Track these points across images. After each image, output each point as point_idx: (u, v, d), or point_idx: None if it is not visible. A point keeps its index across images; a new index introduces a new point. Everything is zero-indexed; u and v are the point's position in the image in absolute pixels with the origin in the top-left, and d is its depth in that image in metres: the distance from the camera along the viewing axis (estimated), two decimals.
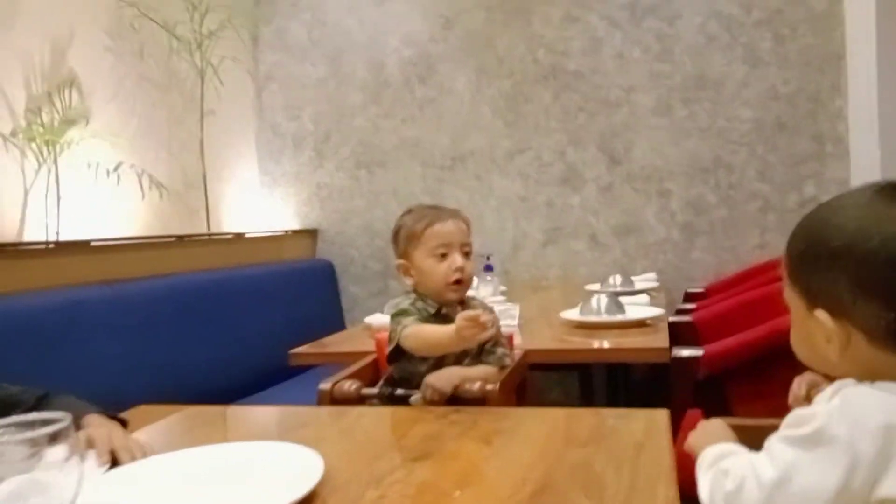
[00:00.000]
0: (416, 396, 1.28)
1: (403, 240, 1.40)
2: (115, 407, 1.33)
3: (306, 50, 3.59)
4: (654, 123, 3.21)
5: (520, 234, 3.39)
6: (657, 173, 3.21)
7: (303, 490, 0.78)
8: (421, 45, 3.45)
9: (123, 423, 1.13)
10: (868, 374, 0.69)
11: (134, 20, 2.80)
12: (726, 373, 1.70)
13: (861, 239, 0.69)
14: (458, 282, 1.35)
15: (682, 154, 3.18)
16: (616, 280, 2.76)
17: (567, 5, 3.26)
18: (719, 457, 0.76)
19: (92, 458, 0.96)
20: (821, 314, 0.72)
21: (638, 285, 2.78)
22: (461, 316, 1.17)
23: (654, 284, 2.84)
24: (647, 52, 3.20)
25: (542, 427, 1.03)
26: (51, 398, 1.15)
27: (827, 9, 2.98)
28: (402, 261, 1.40)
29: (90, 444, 0.99)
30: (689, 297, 3.00)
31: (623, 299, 2.18)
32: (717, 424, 0.86)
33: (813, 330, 0.73)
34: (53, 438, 0.65)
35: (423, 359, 1.33)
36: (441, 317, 1.37)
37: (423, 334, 1.27)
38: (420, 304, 1.37)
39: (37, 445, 0.65)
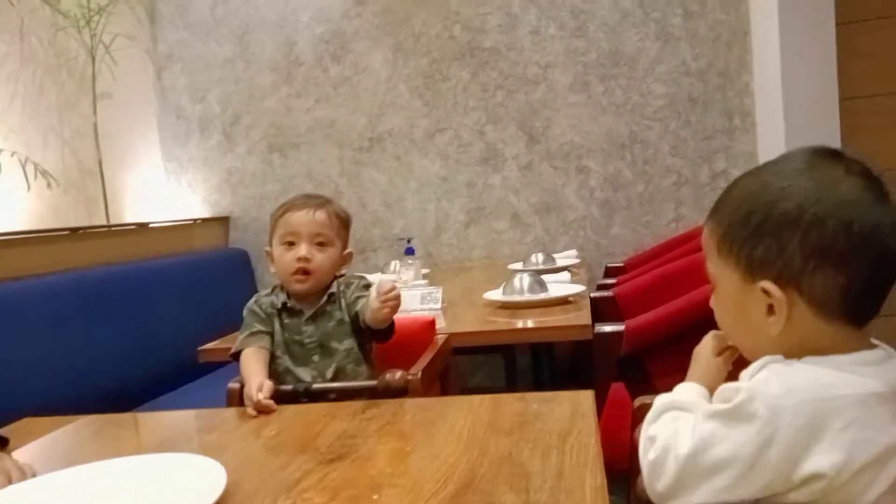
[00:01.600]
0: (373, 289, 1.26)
1: (269, 227, 1.40)
2: (9, 417, 1.20)
3: (210, 27, 3.39)
4: (572, 100, 3.21)
5: (441, 216, 3.34)
6: (575, 150, 3.22)
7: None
8: (334, 22, 3.32)
9: (3, 442, 1.01)
10: (802, 350, 0.67)
11: None
12: (647, 347, 1.71)
13: (812, 201, 0.65)
14: (302, 272, 1.32)
15: (599, 130, 3.20)
16: (538, 258, 2.75)
17: None
18: (658, 413, 0.73)
19: None
20: (767, 284, 0.67)
21: (559, 262, 2.78)
22: (250, 400, 1.10)
23: (576, 261, 2.86)
24: (562, 29, 3.19)
25: (465, 417, 0.98)
26: None
27: None
28: (267, 248, 1.40)
29: None
30: (609, 272, 3.03)
31: (545, 277, 2.16)
32: (706, 360, 0.82)
33: (749, 304, 0.70)
34: None
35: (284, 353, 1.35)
36: (287, 310, 1.36)
37: (241, 365, 1.28)
38: (269, 299, 1.37)
39: None
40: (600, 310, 2.22)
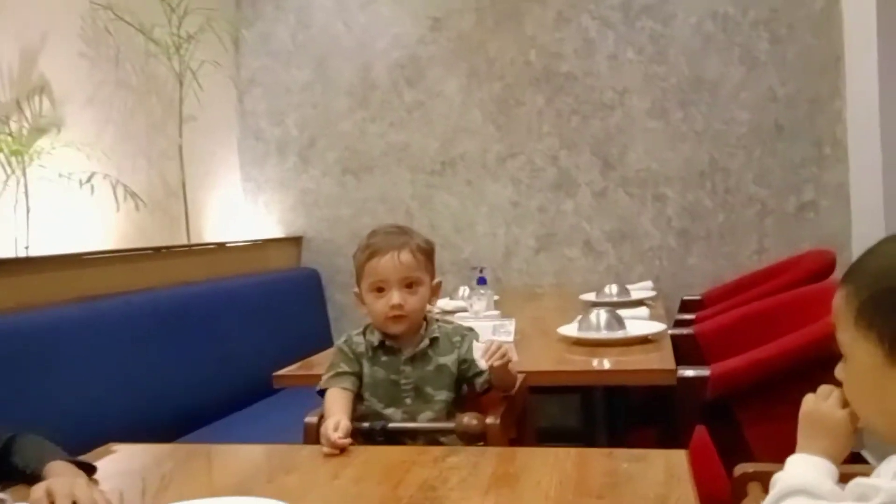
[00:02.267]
0: (480, 343, 1.26)
1: (356, 269, 1.36)
2: (93, 435, 1.23)
3: (291, 54, 3.48)
4: (649, 126, 3.13)
5: (511, 241, 3.30)
6: (652, 178, 3.13)
7: None
8: (409, 48, 3.35)
9: (91, 470, 1.03)
10: None
11: (109, 24, 2.68)
12: (735, 393, 1.62)
13: None
14: (396, 317, 1.31)
15: (677, 158, 3.10)
16: (612, 290, 2.68)
17: (559, 6, 3.17)
18: (782, 496, 0.66)
19: None
20: None
21: (634, 294, 2.70)
22: (326, 439, 1.10)
23: (651, 294, 2.76)
24: (641, 54, 3.12)
25: (551, 473, 0.93)
26: (17, 441, 1.04)
27: (825, 8, 2.91)
28: (356, 289, 1.37)
29: (49, 499, 0.89)
30: (685, 307, 2.92)
31: (622, 312, 2.09)
32: (832, 423, 0.73)
33: (889, 386, 0.64)
34: None
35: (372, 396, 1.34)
36: (385, 348, 1.34)
37: (325, 403, 1.27)
38: (361, 339, 1.36)
39: None
40: (680, 348, 2.13)
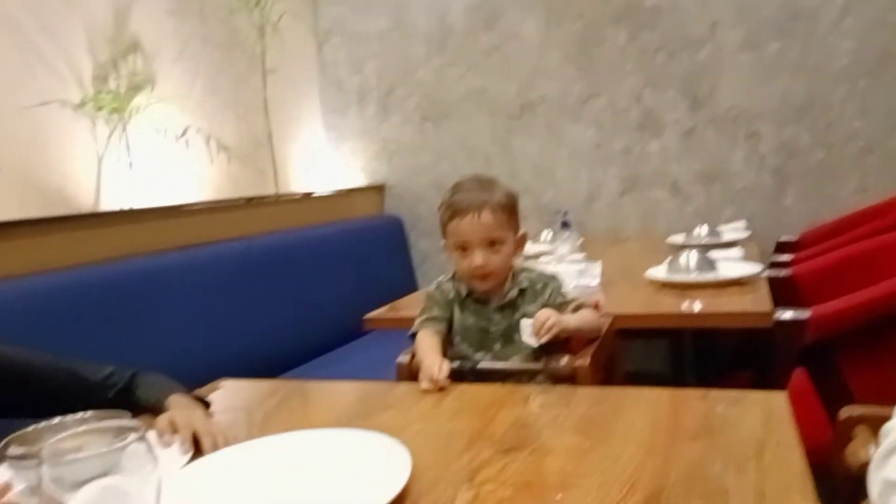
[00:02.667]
0: (527, 320, 1.24)
1: (440, 221, 1.36)
2: (196, 372, 1.32)
3: (368, 2, 3.46)
4: (742, 61, 2.94)
5: (594, 185, 3.23)
6: (745, 115, 2.96)
7: (393, 491, 0.72)
8: None
9: (206, 405, 1.11)
10: None
11: None
12: (837, 337, 1.55)
13: None
14: (482, 276, 1.31)
15: (772, 93, 2.92)
16: (702, 231, 2.59)
17: None
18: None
19: (175, 444, 0.94)
20: None
21: (726, 236, 2.60)
22: (429, 377, 1.14)
23: (745, 234, 2.65)
24: None
25: (644, 414, 0.93)
26: (139, 377, 1.13)
27: None
28: (444, 240, 1.37)
29: (172, 429, 0.97)
30: (781, 248, 2.79)
31: (713, 254, 2.03)
32: None
33: None
34: (124, 455, 0.61)
35: (463, 340, 1.36)
36: (473, 299, 1.36)
37: (417, 345, 1.30)
38: (452, 285, 1.38)
39: (105, 465, 0.61)
40: (776, 291, 2.05)
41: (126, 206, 2.37)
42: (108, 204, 2.36)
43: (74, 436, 0.68)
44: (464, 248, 1.31)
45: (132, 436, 0.62)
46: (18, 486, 0.82)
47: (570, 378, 1.19)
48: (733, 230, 2.71)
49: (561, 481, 0.77)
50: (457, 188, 1.35)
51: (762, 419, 0.88)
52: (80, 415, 0.93)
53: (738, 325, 1.53)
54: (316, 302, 2.69)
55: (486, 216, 1.29)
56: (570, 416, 0.97)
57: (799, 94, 2.89)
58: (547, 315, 1.23)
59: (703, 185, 3.06)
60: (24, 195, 2.13)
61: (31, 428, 0.90)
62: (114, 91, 2.39)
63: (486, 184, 1.35)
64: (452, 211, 1.32)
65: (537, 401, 1.04)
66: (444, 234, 1.35)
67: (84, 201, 2.31)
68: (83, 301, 1.84)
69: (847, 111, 2.84)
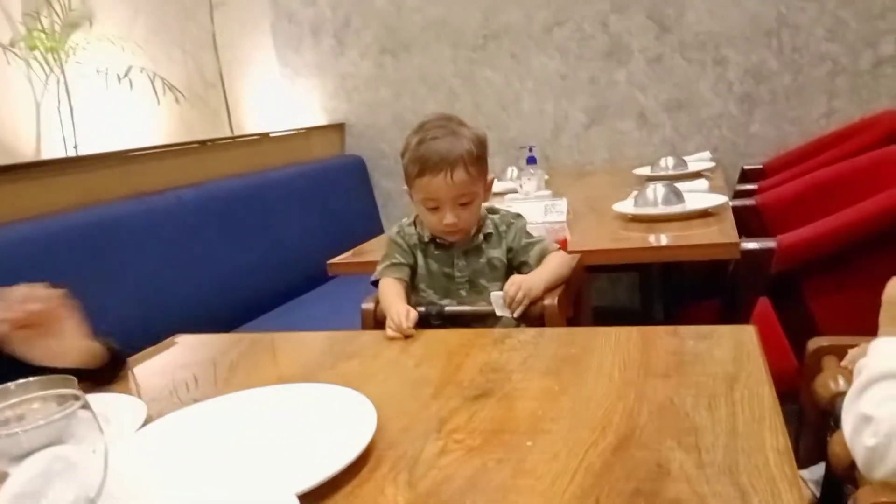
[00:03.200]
0: (497, 293, 1.19)
1: (404, 170, 1.28)
2: (156, 322, 1.26)
3: None
4: None
5: (561, 116, 3.16)
6: (713, 39, 2.90)
7: (356, 450, 0.69)
8: None
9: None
10: None
11: None
12: (805, 266, 1.55)
13: None
14: (452, 231, 1.27)
15: (741, 15, 2.85)
16: (668, 162, 2.56)
17: None
18: (869, 382, 0.63)
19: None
20: None
21: (692, 166, 2.58)
22: (396, 325, 1.10)
23: (710, 165, 2.64)
24: None
25: (614, 353, 0.91)
26: None
27: None
28: (406, 187, 1.30)
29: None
30: (746, 176, 2.79)
31: (680, 185, 2.00)
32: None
33: None
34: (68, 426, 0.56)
35: (428, 287, 1.33)
36: (436, 243, 1.32)
37: (381, 292, 1.27)
38: (415, 230, 1.33)
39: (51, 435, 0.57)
40: (741, 221, 2.05)
41: (70, 154, 2.24)
42: (50, 152, 2.23)
43: (15, 405, 0.65)
44: (434, 207, 1.25)
45: (75, 403, 0.57)
46: None
47: (538, 318, 1.17)
48: (699, 160, 2.69)
49: (532, 426, 0.75)
50: (422, 134, 1.25)
51: (732, 354, 0.87)
52: (22, 381, 0.87)
53: (706, 257, 1.51)
54: (278, 247, 2.63)
55: (459, 174, 1.22)
56: (539, 359, 0.95)
57: (768, 16, 2.82)
58: (516, 287, 1.18)
59: (669, 115, 3.02)
60: None
61: None
62: (48, 29, 2.22)
63: (453, 129, 1.26)
64: (420, 167, 1.23)
65: (505, 344, 1.01)
66: (410, 185, 1.28)
67: (24, 149, 2.18)
68: (30, 257, 1.75)
69: (815, 32, 2.79)
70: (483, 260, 1.31)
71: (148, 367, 1.12)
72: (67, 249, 1.86)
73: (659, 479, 0.61)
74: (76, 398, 0.60)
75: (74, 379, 0.90)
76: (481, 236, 1.31)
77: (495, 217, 1.34)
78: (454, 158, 1.22)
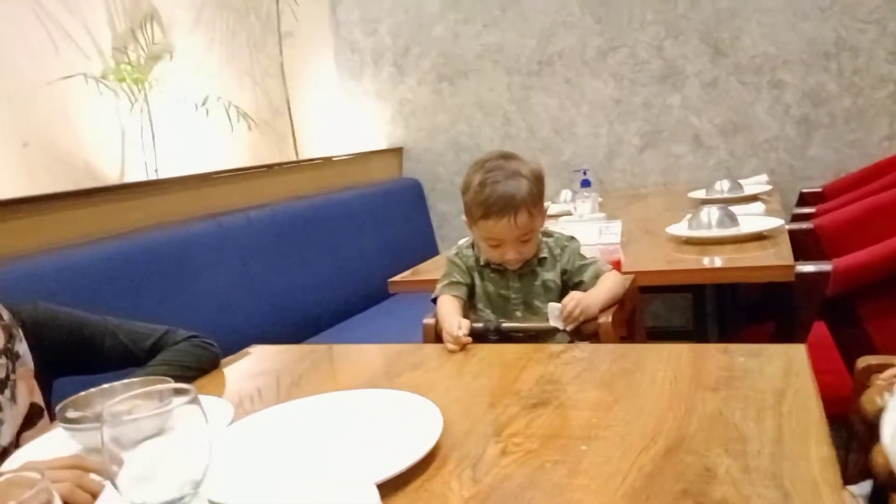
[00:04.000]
0: (554, 305, 1.25)
1: (465, 205, 1.36)
2: (226, 339, 1.36)
3: None
4: (766, 6, 2.87)
5: (614, 140, 3.20)
6: (769, 62, 2.90)
7: (425, 447, 0.76)
8: None
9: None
10: None
11: None
12: (858, 288, 1.55)
13: None
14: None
15: (798, 38, 2.85)
16: (723, 186, 2.57)
17: None
18: None
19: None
20: None
21: (747, 189, 2.58)
22: (451, 336, 1.17)
23: (766, 188, 2.63)
24: None
25: (666, 368, 0.96)
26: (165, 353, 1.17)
27: None
28: (465, 218, 1.38)
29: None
30: (804, 200, 2.76)
31: (735, 208, 2.02)
32: None
33: None
34: (177, 414, 0.65)
35: (485, 307, 1.40)
36: (491, 268, 1.38)
37: (438, 308, 1.33)
38: (471, 252, 1.40)
39: (160, 423, 0.65)
40: (797, 244, 2.04)
41: (151, 177, 2.41)
42: (133, 175, 2.40)
43: (123, 401, 0.73)
44: (496, 245, 1.33)
45: (184, 397, 0.66)
46: (74, 449, 0.87)
47: (592, 336, 1.22)
48: (755, 184, 2.69)
49: (586, 433, 0.80)
50: (483, 175, 1.32)
51: (782, 370, 0.90)
52: (125, 381, 0.98)
53: (760, 279, 1.53)
54: (339, 266, 2.74)
55: (522, 217, 1.29)
56: (593, 372, 1.00)
57: (826, 39, 2.82)
58: (575, 303, 1.23)
59: (724, 138, 3.02)
60: (53, 168, 2.18)
61: (82, 394, 0.96)
62: (133, 62, 2.41)
63: (514, 170, 1.32)
64: (485, 211, 1.30)
65: (561, 358, 1.07)
66: (470, 220, 1.35)
67: (110, 174, 2.36)
68: (116, 272, 1.89)
69: (876, 54, 2.77)
70: (538, 282, 1.37)
71: (227, 374, 1.21)
72: (146, 266, 2.00)
73: (706, 482, 0.66)
74: (186, 392, 0.68)
75: (170, 379, 1.00)
76: (536, 260, 1.37)
77: (549, 240, 1.40)
78: (517, 203, 1.28)
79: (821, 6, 2.79)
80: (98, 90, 2.29)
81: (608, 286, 1.32)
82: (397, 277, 1.92)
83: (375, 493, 0.66)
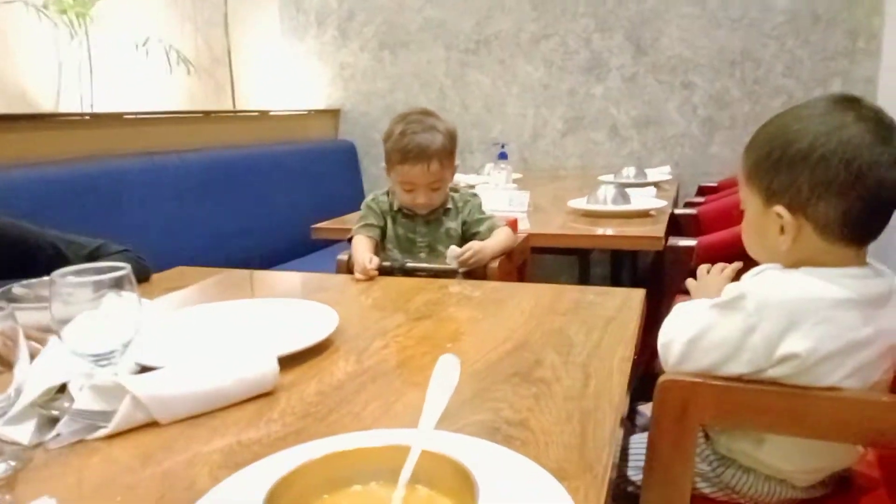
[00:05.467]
0: (454, 248, 1.44)
1: (385, 153, 1.54)
2: (155, 269, 1.49)
3: None
4: (686, 12, 3.13)
5: (540, 123, 3.42)
6: (683, 65, 3.17)
7: (320, 336, 0.93)
8: None
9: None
10: (804, 263, 0.80)
11: None
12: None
13: (820, 143, 0.78)
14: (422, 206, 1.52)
15: (710, 45, 3.12)
16: (630, 172, 2.82)
17: None
18: (677, 315, 0.89)
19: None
20: (780, 209, 0.81)
21: (651, 177, 2.84)
22: (361, 267, 1.33)
23: (668, 177, 2.90)
24: None
25: (530, 299, 1.16)
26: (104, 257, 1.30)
27: None
28: (384, 165, 1.56)
29: None
30: (701, 192, 3.06)
31: (632, 191, 2.26)
32: (715, 279, 0.97)
33: (767, 224, 0.84)
34: (115, 284, 0.79)
35: (394, 247, 1.57)
36: (403, 213, 1.56)
37: (353, 246, 1.49)
38: (386, 199, 1.57)
39: (101, 289, 0.79)
40: (683, 227, 2.31)
41: (86, 111, 2.46)
42: (68, 107, 2.44)
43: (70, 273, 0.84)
44: (410, 189, 1.51)
45: (120, 272, 0.80)
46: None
47: (482, 277, 1.42)
48: (659, 173, 2.96)
49: (453, 337, 1.00)
50: (404, 126, 1.50)
51: (619, 305, 1.12)
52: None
53: (634, 247, 1.77)
54: (270, 216, 2.85)
55: (434, 166, 1.48)
56: (471, 300, 1.20)
57: (734, 49, 3.10)
58: (472, 253, 1.43)
59: (638, 130, 3.29)
60: None
61: (24, 282, 1.08)
62: None
63: (431, 125, 1.51)
64: (402, 156, 1.48)
65: (448, 289, 1.26)
66: (390, 167, 1.53)
67: (44, 103, 2.39)
68: (49, 198, 1.96)
69: (775, 67, 3.07)
70: (442, 230, 1.55)
71: (157, 284, 1.35)
72: (79, 196, 2.07)
73: (533, 368, 0.86)
74: (120, 268, 0.82)
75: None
76: (442, 209, 1.56)
77: (455, 195, 1.59)
78: (431, 153, 1.48)
79: (732, 17, 3.07)
80: (38, 18, 2.32)
81: (501, 239, 1.52)
82: (321, 224, 2.07)
83: (275, 362, 0.83)
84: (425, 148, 1.47)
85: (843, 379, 0.74)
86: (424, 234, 1.56)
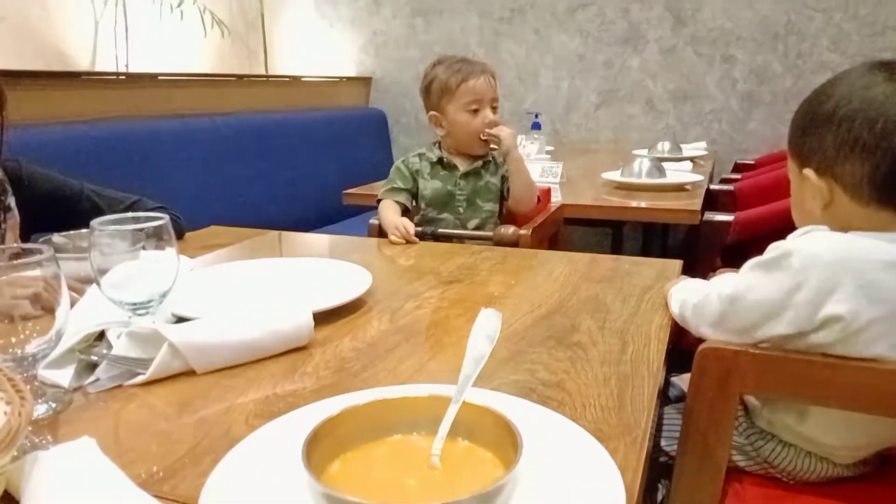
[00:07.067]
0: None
1: (436, 93, 1.51)
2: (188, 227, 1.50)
3: None
4: None
5: (574, 94, 3.36)
6: (724, 37, 3.08)
7: (353, 295, 0.93)
8: None
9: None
10: (845, 229, 0.77)
11: None
12: (754, 238, 1.77)
13: (844, 102, 0.76)
14: (487, 141, 1.49)
15: (753, 17, 3.03)
16: (664, 147, 2.76)
17: None
18: (685, 285, 0.88)
19: None
20: (808, 172, 0.79)
21: (686, 153, 2.78)
22: (401, 229, 1.32)
23: (703, 153, 2.83)
24: None
25: (565, 267, 1.14)
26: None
27: None
28: (434, 112, 1.53)
29: None
30: (738, 168, 2.99)
31: (667, 165, 2.22)
32: (695, 280, 0.97)
33: (803, 190, 0.81)
34: (154, 234, 0.79)
35: (429, 205, 1.55)
36: (443, 164, 1.53)
37: (381, 210, 1.48)
38: (416, 159, 1.55)
39: (139, 239, 0.79)
40: (718, 202, 2.27)
41: (121, 70, 2.47)
42: (104, 67, 2.45)
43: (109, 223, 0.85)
44: (475, 110, 1.48)
45: (158, 222, 0.80)
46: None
47: (513, 244, 1.40)
48: (694, 149, 2.89)
49: (487, 300, 0.99)
50: (448, 61, 1.51)
51: (655, 275, 1.09)
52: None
53: (670, 220, 1.74)
54: (298, 183, 2.86)
55: (492, 79, 1.50)
56: (504, 265, 1.18)
57: (778, 21, 3.00)
58: (507, 132, 1.46)
59: (674, 104, 3.21)
60: (23, 47, 2.22)
61: (64, 232, 1.09)
62: None
63: (468, 59, 1.53)
64: (464, 73, 1.48)
65: (482, 255, 1.24)
66: (448, 99, 1.49)
67: (80, 62, 2.41)
68: (82, 155, 1.98)
69: (820, 42, 2.97)
70: (482, 183, 1.54)
71: (191, 241, 1.36)
72: (112, 155, 2.09)
73: (569, 333, 0.85)
74: (159, 219, 0.82)
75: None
76: (480, 162, 1.53)
77: (495, 152, 1.56)
78: (488, 67, 1.51)
79: None
80: None
81: (529, 172, 1.53)
82: (353, 190, 2.07)
83: (310, 317, 0.83)
84: (482, 64, 1.50)
85: (889, 349, 0.72)
86: (464, 188, 1.54)
